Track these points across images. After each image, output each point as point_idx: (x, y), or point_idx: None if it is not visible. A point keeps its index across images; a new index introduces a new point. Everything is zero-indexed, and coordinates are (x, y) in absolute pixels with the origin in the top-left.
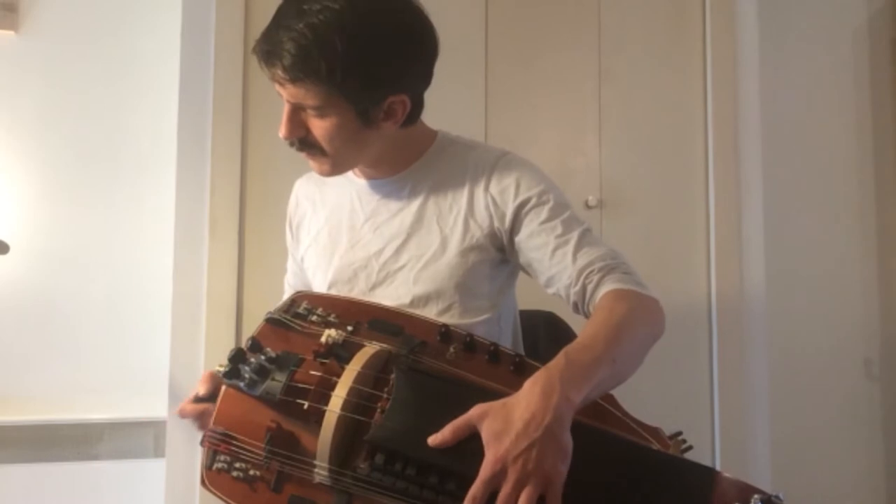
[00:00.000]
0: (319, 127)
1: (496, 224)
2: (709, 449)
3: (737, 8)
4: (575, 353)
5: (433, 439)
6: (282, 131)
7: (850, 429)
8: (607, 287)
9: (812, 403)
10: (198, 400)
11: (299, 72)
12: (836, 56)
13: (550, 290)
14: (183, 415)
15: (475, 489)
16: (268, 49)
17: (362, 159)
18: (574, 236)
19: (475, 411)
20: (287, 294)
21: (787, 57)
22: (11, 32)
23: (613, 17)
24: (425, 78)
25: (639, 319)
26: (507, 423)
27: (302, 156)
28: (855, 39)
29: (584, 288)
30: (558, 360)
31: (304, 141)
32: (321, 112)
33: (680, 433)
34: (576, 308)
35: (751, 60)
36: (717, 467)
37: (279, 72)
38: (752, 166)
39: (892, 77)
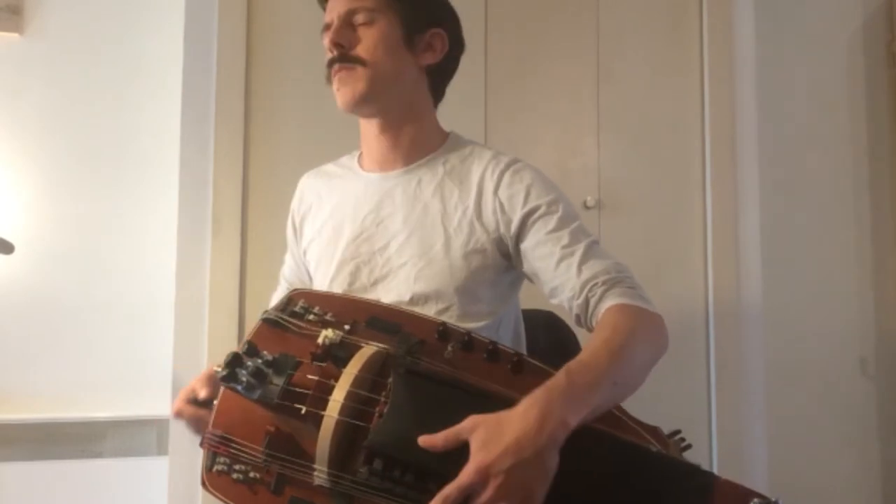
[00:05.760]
0: (366, 34)
1: (502, 230)
2: (706, 448)
3: (734, 12)
4: (577, 374)
5: (424, 440)
6: (330, 36)
7: (846, 427)
8: (610, 301)
9: (808, 402)
10: (196, 403)
11: None
12: (832, 60)
13: (554, 301)
14: (179, 415)
15: (450, 489)
16: None
17: (392, 95)
18: (580, 248)
19: (467, 423)
20: (280, 286)
21: (783, 60)
22: (16, 35)
23: (612, 20)
24: (458, 38)
25: (642, 339)
26: (498, 435)
27: (334, 82)
28: (851, 43)
29: (586, 301)
30: (559, 380)
31: (343, 56)
32: (373, 16)
33: (678, 432)
34: (578, 321)
35: (748, 63)
36: (715, 466)
37: None
38: (749, 168)
39: (887, 80)
